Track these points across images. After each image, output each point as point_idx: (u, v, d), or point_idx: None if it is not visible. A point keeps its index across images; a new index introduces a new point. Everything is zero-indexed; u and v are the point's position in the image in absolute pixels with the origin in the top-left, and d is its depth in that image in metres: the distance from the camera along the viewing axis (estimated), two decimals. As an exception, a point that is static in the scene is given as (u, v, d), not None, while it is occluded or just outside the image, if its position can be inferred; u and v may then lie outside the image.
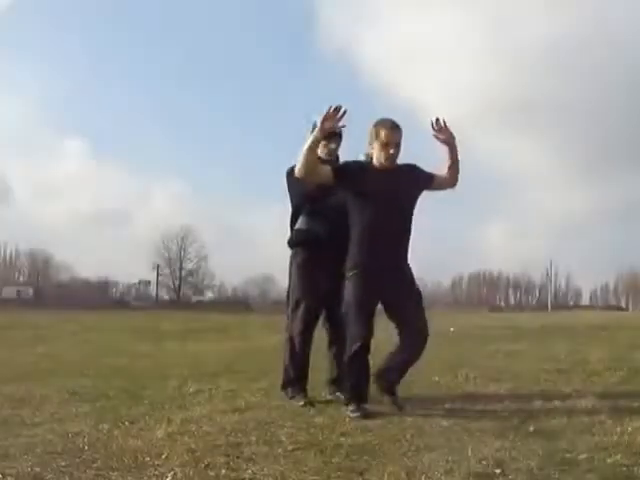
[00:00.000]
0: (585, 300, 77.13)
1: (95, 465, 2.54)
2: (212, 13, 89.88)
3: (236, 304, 57.01)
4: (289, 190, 4.03)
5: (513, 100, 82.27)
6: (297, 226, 4.00)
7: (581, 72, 78.76)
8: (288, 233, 4.05)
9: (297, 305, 3.96)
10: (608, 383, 4.66)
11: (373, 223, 3.57)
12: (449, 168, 3.70)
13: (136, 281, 67.75)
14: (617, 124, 79.01)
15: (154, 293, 65.05)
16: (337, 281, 3.67)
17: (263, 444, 2.87)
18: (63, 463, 2.56)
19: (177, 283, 64.71)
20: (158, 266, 63.44)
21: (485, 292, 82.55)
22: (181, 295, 63.99)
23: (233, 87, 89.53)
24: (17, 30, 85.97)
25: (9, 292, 56.73)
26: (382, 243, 3.56)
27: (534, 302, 74.59)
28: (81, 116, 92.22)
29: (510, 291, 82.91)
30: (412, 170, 3.72)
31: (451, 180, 3.77)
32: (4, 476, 2.38)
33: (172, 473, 2.42)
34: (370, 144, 3.63)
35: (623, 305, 72.36)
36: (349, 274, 3.60)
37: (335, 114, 3.42)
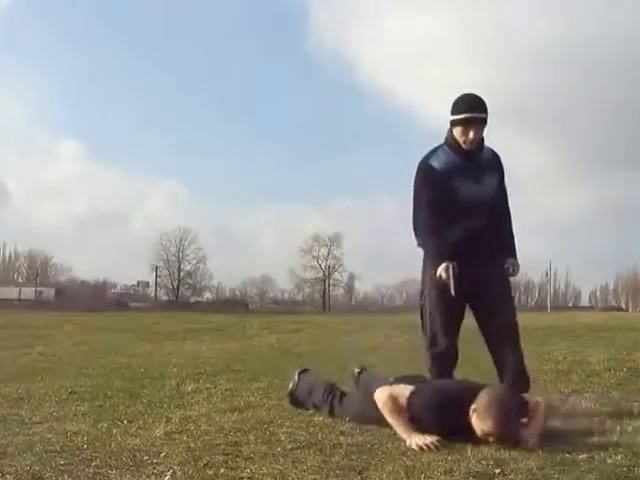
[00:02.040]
0: (585, 301, 76.85)
1: (94, 463, 2.53)
2: (207, 15, 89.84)
3: (234, 305, 57.01)
4: (420, 188, 3.58)
5: (512, 100, 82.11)
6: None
7: (581, 72, 78.88)
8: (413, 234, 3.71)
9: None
10: (608, 384, 4.65)
11: None
12: None
13: (135, 282, 67.88)
14: (617, 124, 79.07)
15: (153, 294, 65.06)
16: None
17: (262, 443, 2.86)
18: (62, 461, 2.55)
19: (175, 284, 64.67)
20: (157, 267, 63.46)
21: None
22: (179, 296, 63.92)
23: (230, 88, 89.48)
24: (15, 31, 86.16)
25: (27, 293, 56.68)
26: None
27: (533, 303, 74.36)
28: (79, 118, 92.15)
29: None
30: None
31: None
32: (3, 474, 2.37)
33: (171, 472, 2.42)
34: None
35: (623, 306, 72.18)
36: None
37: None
